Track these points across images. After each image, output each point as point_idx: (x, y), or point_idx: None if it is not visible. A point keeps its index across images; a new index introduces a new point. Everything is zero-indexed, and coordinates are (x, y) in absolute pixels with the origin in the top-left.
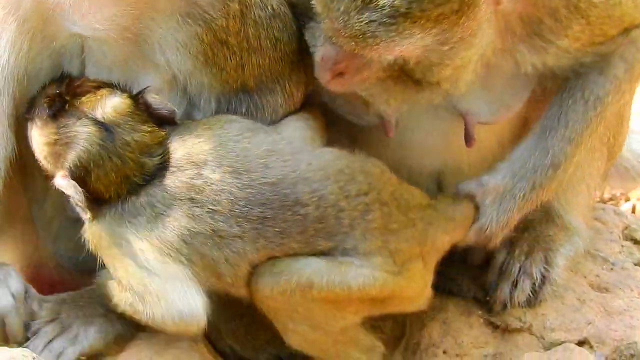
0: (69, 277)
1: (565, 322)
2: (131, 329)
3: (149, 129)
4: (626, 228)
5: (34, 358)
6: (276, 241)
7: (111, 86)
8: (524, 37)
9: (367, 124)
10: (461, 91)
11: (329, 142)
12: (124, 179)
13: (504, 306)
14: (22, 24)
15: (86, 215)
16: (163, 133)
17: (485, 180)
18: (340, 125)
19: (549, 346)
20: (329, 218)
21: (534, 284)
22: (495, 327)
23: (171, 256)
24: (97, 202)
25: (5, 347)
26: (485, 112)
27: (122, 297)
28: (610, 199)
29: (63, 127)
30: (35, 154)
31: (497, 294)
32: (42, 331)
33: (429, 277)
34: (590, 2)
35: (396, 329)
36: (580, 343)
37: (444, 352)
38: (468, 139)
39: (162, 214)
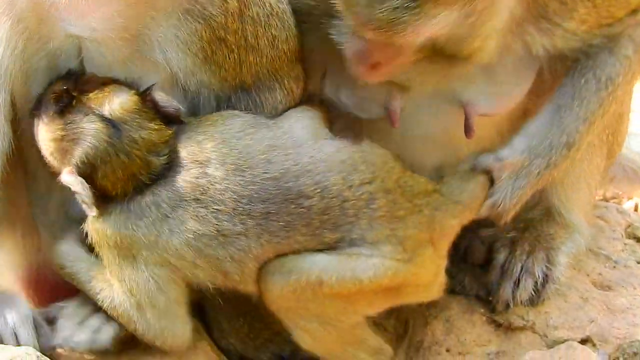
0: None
1: (568, 320)
2: None
3: (156, 127)
4: (629, 226)
5: (37, 357)
6: (281, 235)
7: (119, 83)
8: (531, 20)
9: (371, 117)
10: (490, 59)
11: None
12: (131, 176)
13: (507, 306)
14: (17, 23)
15: (92, 212)
16: (170, 132)
17: (504, 155)
18: (342, 118)
19: (552, 344)
20: (333, 209)
21: (536, 282)
22: (498, 325)
23: (172, 266)
24: (103, 199)
25: (8, 346)
26: (486, 103)
27: (121, 299)
28: (613, 197)
29: (70, 123)
30: (42, 150)
31: (500, 294)
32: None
33: (442, 263)
34: None
35: (399, 327)
36: (583, 341)
37: (447, 350)
38: (468, 131)
39: (167, 216)
